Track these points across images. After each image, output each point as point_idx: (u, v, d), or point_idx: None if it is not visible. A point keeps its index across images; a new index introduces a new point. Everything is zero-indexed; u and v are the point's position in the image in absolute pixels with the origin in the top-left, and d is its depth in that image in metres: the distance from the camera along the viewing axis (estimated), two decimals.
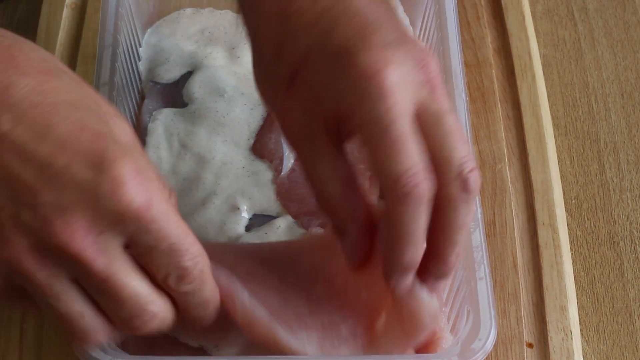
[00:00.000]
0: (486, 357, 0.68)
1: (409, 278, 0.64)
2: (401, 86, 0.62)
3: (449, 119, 0.63)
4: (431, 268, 0.65)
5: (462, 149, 0.62)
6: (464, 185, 0.62)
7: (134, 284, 0.60)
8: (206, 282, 0.62)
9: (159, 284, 0.61)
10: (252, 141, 0.84)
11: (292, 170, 0.81)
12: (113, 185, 0.57)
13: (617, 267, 0.84)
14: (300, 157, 0.67)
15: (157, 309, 0.61)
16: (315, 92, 0.65)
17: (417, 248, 0.63)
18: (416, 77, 0.63)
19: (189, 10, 0.93)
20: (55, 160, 0.58)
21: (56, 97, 0.59)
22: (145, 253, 0.60)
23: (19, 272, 0.59)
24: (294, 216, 0.79)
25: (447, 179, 0.62)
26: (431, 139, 0.62)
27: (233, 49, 0.90)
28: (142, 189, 0.58)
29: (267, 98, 0.69)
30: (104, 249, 0.59)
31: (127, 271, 0.60)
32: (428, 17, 0.87)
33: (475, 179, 0.62)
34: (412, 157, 0.61)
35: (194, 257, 0.61)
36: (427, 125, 0.62)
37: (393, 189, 0.61)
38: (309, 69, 0.65)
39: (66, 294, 0.60)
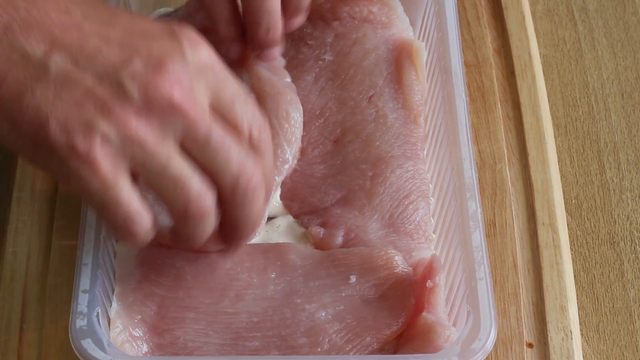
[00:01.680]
0: (486, 357, 0.68)
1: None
2: None
3: None
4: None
5: None
6: None
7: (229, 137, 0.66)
8: None
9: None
10: None
11: (292, 170, 0.81)
12: (193, 43, 0.65)
13: (617, 267, 0.84)
14: None
15: (253, 159, 0.67)
16: None
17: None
18: None
19: None
20: (135, 26, 0.65)
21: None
22: (229, 104, 0.67)
23: (129, 138, 0.63)
24: (295, 216, 0.79)
25: None
26: None
27: None
28: (211, 49, 0.67)
29: None
30: (197, 99, 0.64)
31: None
32: (428, 17, 0.87)
33: None
34: None
35: None
36: None
37: None
38: None
39: (175, 156, 0.64)
